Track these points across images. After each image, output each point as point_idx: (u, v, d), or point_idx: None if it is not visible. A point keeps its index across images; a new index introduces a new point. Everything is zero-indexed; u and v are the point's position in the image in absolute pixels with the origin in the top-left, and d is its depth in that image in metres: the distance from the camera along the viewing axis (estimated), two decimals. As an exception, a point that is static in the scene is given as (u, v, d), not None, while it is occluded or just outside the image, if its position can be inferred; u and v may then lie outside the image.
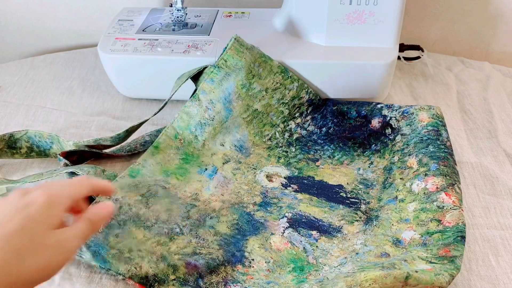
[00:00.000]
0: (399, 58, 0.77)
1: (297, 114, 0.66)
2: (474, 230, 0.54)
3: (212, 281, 0.48)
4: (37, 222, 0.34)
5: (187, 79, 0.63)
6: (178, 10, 0.73)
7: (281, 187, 0.59)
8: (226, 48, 0.63)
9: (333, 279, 0.44)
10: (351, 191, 0.58)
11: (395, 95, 0.74)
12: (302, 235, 0.53)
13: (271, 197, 0.58)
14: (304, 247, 0.52)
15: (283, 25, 0.71)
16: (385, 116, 0.63)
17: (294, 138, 0.65)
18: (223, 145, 0.62)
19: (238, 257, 0.50)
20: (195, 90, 0.63)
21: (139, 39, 0.69)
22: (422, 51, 0.77)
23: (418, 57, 0.79)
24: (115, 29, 0.72)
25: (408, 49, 0.77)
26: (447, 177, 0.53)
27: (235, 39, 0.62)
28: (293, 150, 0.64)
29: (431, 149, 0.57)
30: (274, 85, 0.64)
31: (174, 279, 0.47)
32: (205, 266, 0.48)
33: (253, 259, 0.50)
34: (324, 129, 0.66)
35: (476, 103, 0.73)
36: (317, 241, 0.52)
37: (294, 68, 0.66)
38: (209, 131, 0.61)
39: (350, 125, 0.65)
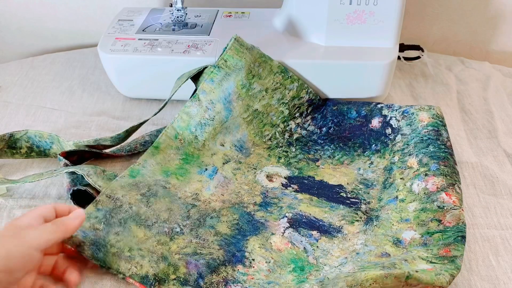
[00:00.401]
0: (399, 58, 0.77)
1: (297, 114, 0.66)
2: (474, 230, 0.54)
3: (212, 281, 0.48)
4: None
5: (187, 79, 0.63)
6: (178, 10, 0.73)
7: (281, 187, 0.59)
8: (226, 48, 0.63)
9: (333, 279, 0.44)
10: (352, 191, 0.58)
11: (395, 95, 0.74)
12: (302, 235, 0.53)
13: (272, 197, 0.58)
14: (304, 247, 0.52)
15: (283, 25, 0.71)
16: (385, 116, 0.63)
17: (294, 138, 0.65)
18: (223, 145, 0.62)
19: (238, 257, 0.50)
20: (195, 90, 0.63)
21: (139, 39, 0.70)
22: (422, 51, 0.77)
23: (418, 57, 0.79)
24: (115, 29, 0.72)
25: (408, 49, 0.77)
26: (448, 177, 0.53)
27: (235, 39, 0.62)
28: (293, 150, 0.64)
29: (431, 149, 0.57)
30: (274, 85, 0.64)
31: (174, 279, 0.47)
32: (206, 266, 0.48)
33: (253, 259, 0.50)
34: (324, 129, 0.66)
35: (476, 103, 0.73)
36: (317, 241, 0.52)
37: (294, 68, 0.66)
38: (209, 131, 0.61)
39: (350, 125, 0.65)
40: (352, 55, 0.66)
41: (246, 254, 0.51)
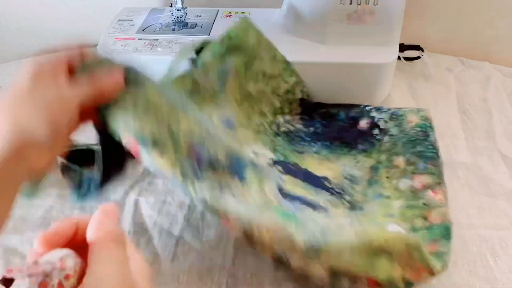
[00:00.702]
0: (399, 58, 0.77)
1: (287, 110, 0.66)
2: (471, 231, 0.54)
3: (208, 176, 0.44)
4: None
5: (189, 54, 0.60)
6: (178, 10, 0.73)
7: (268, 165, 0.57)
8: (233, 26, 0.60)
9: (338, 227, 0.43)
10: (337, 184, 0.57)
11: (395, 95, 0.74)
12: (290, 201, 0.51)
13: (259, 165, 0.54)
14: (292, 211, 0.49)
15: (283, 25, 0.71)
16: (373, 118, 0.63)
17: (281, 130, 0.64)
18: (210, 118, 0.58)
19: (238, 174, 0.47)
20: (194, 60, 0.59)
21: (139, 39, 0.70)
22: (422, 51, 0.77)
23: (418, 57, 0.79)
24: (115, 29, 0.72)
25: (408, 49, 0.77)
26: (435, 176, 0.53)
27: (244, 19, 0.61)
28: (279, 140, 0.63)
29: (419, 149, 0.56)
30: (273, 72, 0.63)
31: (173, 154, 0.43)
32: (207, 161, 0.45)
33: (249, 187, 0.47)
34: (312, 128, 0.65)
35: (476, 103, 0.73)
36: (304, 211, 0.50)
37: (294, 68, 0.66)
38: (198, 99, 0.57)
39: (339, 126, 0.65)
40: (352, 55, 0.66)
41: (243, 180, 0.48)
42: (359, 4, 0.64)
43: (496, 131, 0.67)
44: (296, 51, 0.67)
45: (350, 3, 0.64)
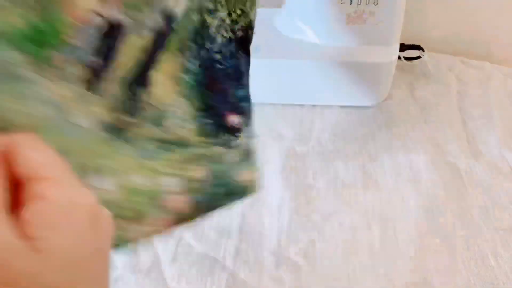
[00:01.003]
0: (399, 58, 0.77)
1: (235, 15, 0.42)
2: (473, 231, 0.54)
3: None
4: None
5: None
6: None
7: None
8: None
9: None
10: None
11: (395, 95, 0.74)
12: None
13: None
14: None
15: (283, 25, 0.71)
16: (238, 129, 0.44)
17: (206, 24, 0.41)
18: None
19: None
20: None
21: (139, 39, 0.69)
22: (422, 51, 0.77)
23: (418, 57, 0.79)
24: None
25: (408, 49, 0.77)
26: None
27: None
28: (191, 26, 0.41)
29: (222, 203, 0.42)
30: None
31: None
32: None
33: None
34: (218, 55, 0.41)
35: (476, 103, 0.73)
36: None
37: (293, 68, 0.66)
38: None
39: (227, 91, 0.42)
40: (352, 55, 0.66)
41: None
42: (359, 4, 0.64)
43: (497, 131, 0.67)
44: (295, 51, 0.67)
45: (350, 3, 0.64)
